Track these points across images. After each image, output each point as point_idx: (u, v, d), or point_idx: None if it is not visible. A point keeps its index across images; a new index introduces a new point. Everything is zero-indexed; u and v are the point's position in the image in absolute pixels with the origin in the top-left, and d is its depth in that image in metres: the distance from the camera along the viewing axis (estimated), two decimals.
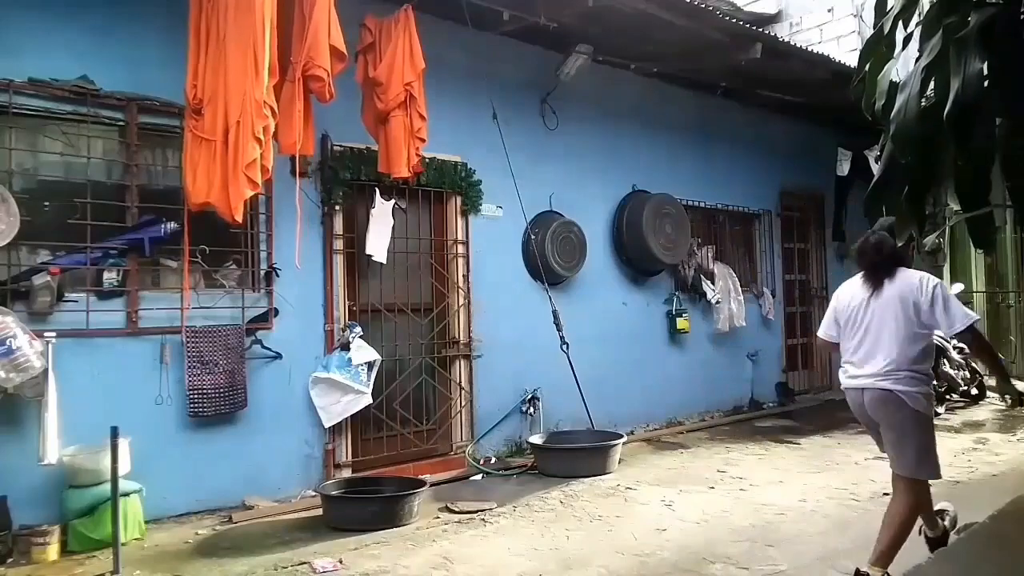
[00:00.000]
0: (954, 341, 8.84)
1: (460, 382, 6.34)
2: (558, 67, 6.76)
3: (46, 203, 4.62)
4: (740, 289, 8.59)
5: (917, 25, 2.34)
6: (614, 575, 3.85)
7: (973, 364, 9.20)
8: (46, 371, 4.11)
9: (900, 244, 3.36)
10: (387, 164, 5.30)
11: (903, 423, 3.46)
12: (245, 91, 4.27)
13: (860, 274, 3.70)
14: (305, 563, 4.03)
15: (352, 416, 5.47)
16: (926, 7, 2.31)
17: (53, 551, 4.12)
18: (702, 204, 8.52)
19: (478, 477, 5.90)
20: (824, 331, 3.88)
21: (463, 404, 6.33)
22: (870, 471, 5.90)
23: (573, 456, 6.02)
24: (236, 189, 4.30)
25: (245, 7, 4.29)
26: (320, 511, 4.82)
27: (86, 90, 4.56)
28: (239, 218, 4.40)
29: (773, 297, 9.33)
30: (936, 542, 3.82)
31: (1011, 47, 1.94)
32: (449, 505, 5.06)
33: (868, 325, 3.56)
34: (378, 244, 5.65)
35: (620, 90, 7.68)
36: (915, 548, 4.03)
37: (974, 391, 9.10)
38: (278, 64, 4.49)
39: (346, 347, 5.38)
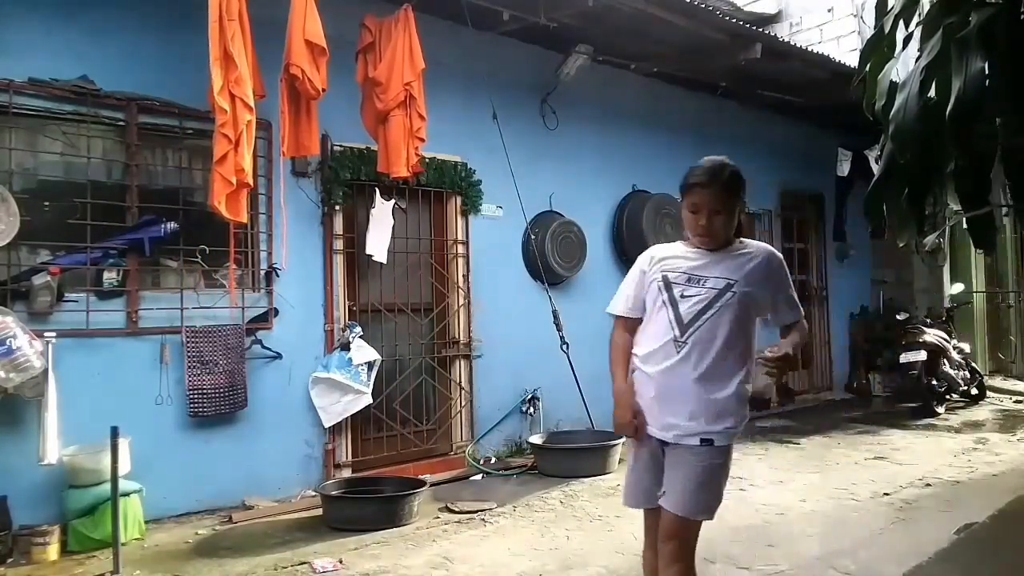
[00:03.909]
0: (954, 341, 8.91)
1: (460, 382, 6.34)
2: (558, 67, 6.75)
3: (46, 203, 4.62)
4: None
5: (917, 25, 2.33)
6: (614, 575, 3.85)
7: (972, 364, 9.21)
8: (46, 371, 4.10)
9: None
10: (386, 164, 5.30)
11: None
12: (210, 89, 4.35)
13: None
14: (305, 563, 4.03)
15: (352, 416, 5.47)
16: (927, 7, 2.30)
17: (53, 551, 4.12)
18: None
19: (478, 477, 5.90)
20: None
21: (463, 404, 6.33)
22: (870, 471, 5.91)
23: (573, 456, 6.02)
24: (214, 187, 4.40)
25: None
26: (320, 511, 4.82)
27: (86, 90, 4.55)
28: (226, 214, 4.42)
29: None
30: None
31: (1012, 47, 1.94)
32: (449, 505, 5.06)
33: None
34: (378, 244, 5.64)
35: (620, 90, 7.67)
36: (915, 548, 4.05)
37: (974, 391, 9.10)
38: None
39: (346, 347, 5.38)
